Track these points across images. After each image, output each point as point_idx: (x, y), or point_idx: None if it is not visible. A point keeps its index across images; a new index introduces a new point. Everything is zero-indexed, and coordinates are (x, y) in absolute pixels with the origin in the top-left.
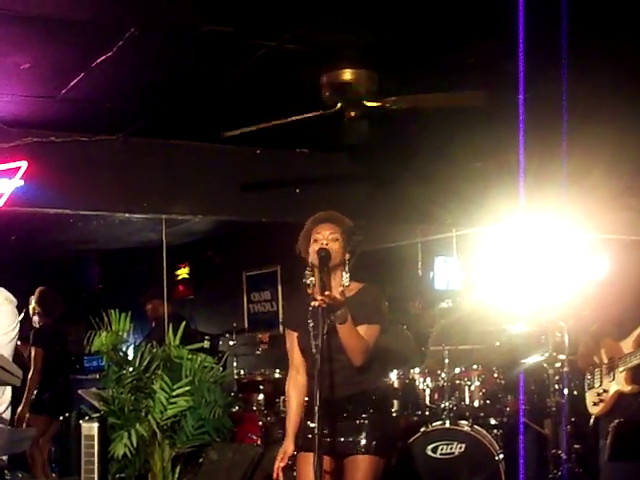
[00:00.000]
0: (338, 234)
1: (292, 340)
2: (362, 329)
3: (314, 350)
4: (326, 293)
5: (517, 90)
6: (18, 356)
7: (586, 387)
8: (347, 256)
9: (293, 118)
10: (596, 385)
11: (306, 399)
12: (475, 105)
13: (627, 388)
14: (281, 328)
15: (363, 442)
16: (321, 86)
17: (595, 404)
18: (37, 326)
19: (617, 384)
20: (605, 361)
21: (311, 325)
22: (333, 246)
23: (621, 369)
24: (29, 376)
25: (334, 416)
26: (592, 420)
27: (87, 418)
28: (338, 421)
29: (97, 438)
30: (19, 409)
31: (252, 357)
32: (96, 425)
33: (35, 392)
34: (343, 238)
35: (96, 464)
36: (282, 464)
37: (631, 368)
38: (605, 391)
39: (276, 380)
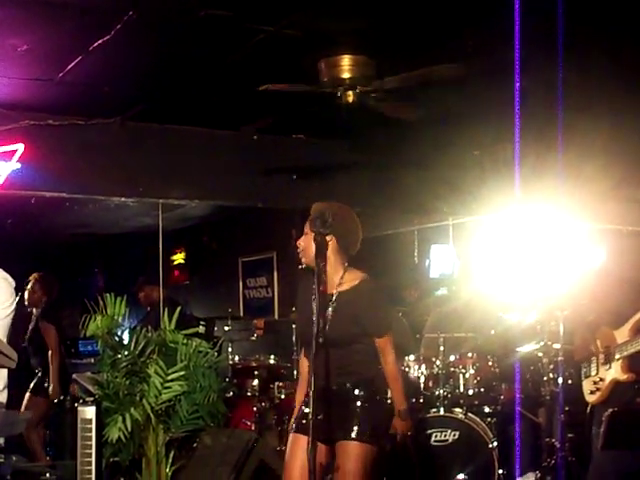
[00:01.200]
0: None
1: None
2: (382, 343)
3: (314, 338)
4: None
5: (514, 78)
6: (39, 336)
7: (583, 376)
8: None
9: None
10: (592, 374)
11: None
12: (456, 76)
13: (623, 376)
14: (277, 314)
15: (355, 429)
16: (319, 72)
17: (592, 392)
18: (39, 310)
19: (613, 373)
20: (601, 350)
21: (314, 310)
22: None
23: (617, 357)
24: (49, 359)
25: (329, 402)
26: (589, 408)
27: (82, 402)
28: (333, 407)
29: (94, 422)
30: (50, 388)
31: (247, 343)
32: (93, 409)
33: (38, 375)
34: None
35: (94, 448)
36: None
37: (627, 357)
38: (601, 380)
39: (271, 366)
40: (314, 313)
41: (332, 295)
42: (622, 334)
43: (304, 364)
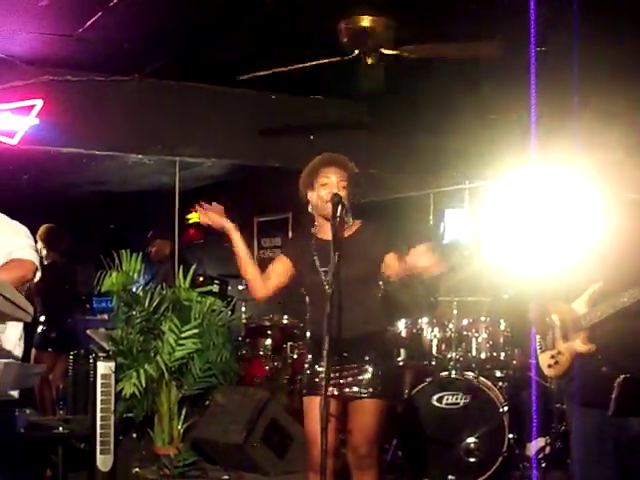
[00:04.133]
0: (345, 181)
1: (279, 262)
2: (392, 257)
3: (324, 286)
4: None
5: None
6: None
7: (539, 350)
8: (349, 201)
9: (309, 64)
10: (549, 347)
11: (312, 339)
12: (491, 56)
13: (584, 348)
14: None
15: (368, 385)
16: (339, 32)
17: (550, 366)
18: (45, 263)
19: (573, 345)
20: (557, 323)
21: (318, 263)
22: (342, 192)
23: (577, 330)
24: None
25: (341, 358)
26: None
27: (101, 357)
28: (344, 363)
29: (114, 377)
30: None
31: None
32: (112, 364)
33: (42, 329)
34: (349, 184)
35: (112, 402)
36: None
37: (587, 328)
38: (560, 353)
39: (284, 326)
40: (319, 267)
41: (340, 240)
42: (579, 306)
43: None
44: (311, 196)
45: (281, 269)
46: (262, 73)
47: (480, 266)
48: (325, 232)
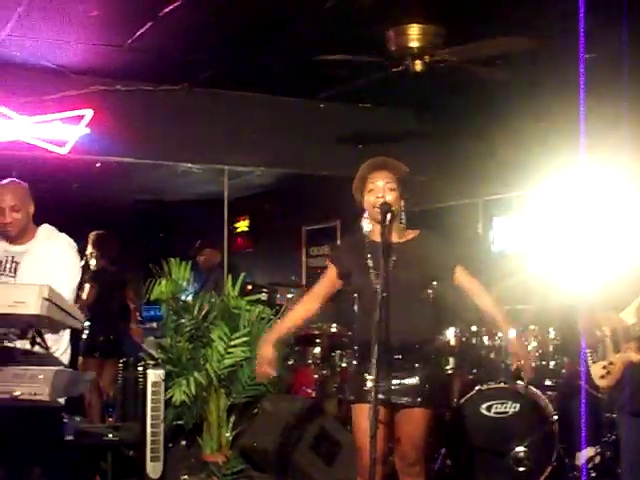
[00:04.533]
0: (394, 183)
1: (330, 273)
2: (460, 271)
3: (375, 291)
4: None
5: (580, 48)
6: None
7: (590, 361)
8: (402, 203)
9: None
10: (601, 358)
11: (359, 344)
12: (531, 47)
13: (637, 357)
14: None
15: (417, 394)
16: (387, 40)
17: (602, 377)
18: (94, 269)
19: (625, 355)
20: (608, 334)
21: (371, 264)
22: (390, 196)
23: (627, 340)
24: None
25: (388, 365)
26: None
27: (151, 365)
28: (392, 371)
29: (163, 385)
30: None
31: None
32: (162, 372)
33: (89, 335)
34: (399, 186)
35: (162, 410)
36: (271, 372)
37: (637, 338)
38: (611, 363)
39: (332, 334)
40: (371, 268)
41: (393, 244)
42: (628, 316)
43: (309, 303)
44: (364, 201)
45: (327, 288)
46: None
47: (528, 274)
48: (378, 236)
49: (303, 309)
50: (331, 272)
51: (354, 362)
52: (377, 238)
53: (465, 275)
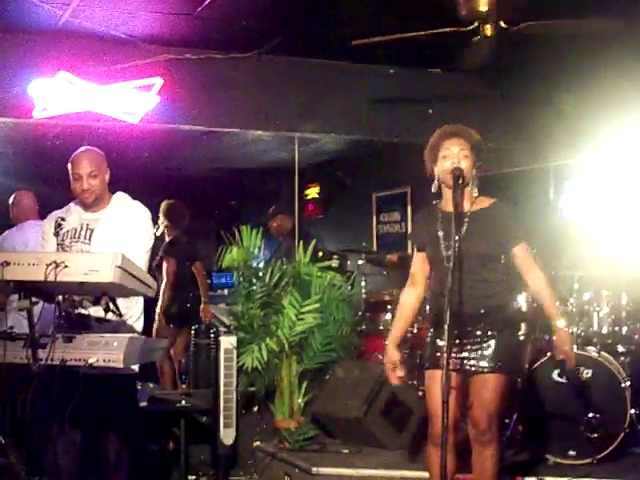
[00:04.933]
0: (467, 150)
1: (418, 260)
2: (521, 249)
3: (445, 260)
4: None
5: None
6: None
7: None
8: (474, 171)
9: (425, 32)
10: None
11: (434, 312)
12: (612, 32)
13: None
14: (409, 249)
15: (491, 360)
16: (457, 3)
17: None
18: (167, 239)
19: None
20: None
21: (441, 235)
22: (465, 163)
23: None
24: (162, 289)
25: (463, 333)
26: None
27: (222, 332)
28: (466, 338)
29: (235, 352)
30: (155, 324)
31: (380, 277)
32: (235, 338)
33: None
34: (472, 153)
35: (234, 376)
36: (400, 374)
37: None
38: None
39: None
40: (441, 238)
41: (465, 213)
42: None
43: (408, 293)
44: (437, 169)
45: (421, 268)
46: (376, 39)
47: (600, 240)
48: (450, 205)
49: (410, 300)
50: (418, 257)
51: (430, 329)
52: (449, 208)
53: (523, 252)
